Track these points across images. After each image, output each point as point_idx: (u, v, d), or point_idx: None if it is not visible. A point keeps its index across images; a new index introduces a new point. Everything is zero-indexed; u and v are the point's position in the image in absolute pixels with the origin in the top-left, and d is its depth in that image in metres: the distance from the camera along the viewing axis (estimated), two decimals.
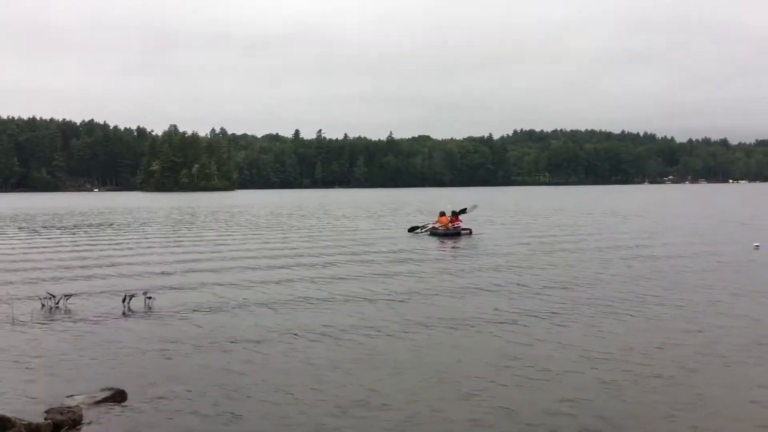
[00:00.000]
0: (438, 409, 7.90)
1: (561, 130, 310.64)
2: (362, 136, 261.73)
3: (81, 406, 7.89)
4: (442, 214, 32.67)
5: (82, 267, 20.91)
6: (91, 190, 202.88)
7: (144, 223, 44.98)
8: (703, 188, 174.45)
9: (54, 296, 14.23)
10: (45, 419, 7.37)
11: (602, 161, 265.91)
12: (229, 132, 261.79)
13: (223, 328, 12.12)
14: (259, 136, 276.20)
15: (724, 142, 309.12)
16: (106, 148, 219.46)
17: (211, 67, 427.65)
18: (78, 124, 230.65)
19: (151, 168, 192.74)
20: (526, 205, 68.23)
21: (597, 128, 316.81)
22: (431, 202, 74.56)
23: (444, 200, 54.39)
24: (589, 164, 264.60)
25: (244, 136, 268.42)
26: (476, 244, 27.12)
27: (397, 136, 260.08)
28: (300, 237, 31.90)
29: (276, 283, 17.18)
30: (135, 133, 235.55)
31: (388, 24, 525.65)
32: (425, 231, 32.14)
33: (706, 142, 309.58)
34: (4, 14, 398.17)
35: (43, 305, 13.99)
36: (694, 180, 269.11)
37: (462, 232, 31.14)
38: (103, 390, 8.49)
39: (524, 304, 13.91)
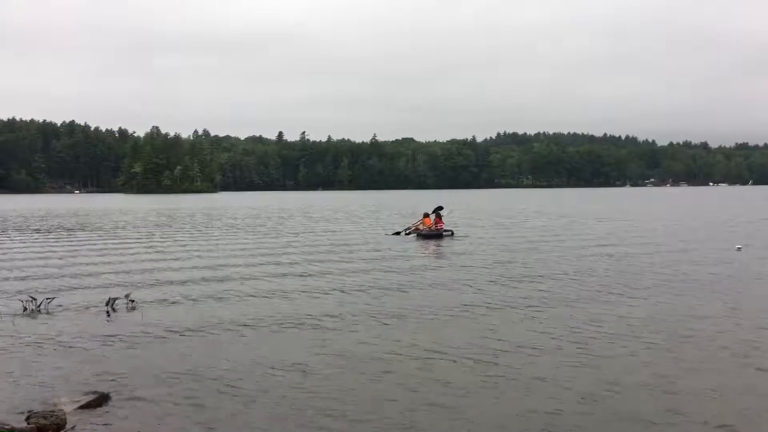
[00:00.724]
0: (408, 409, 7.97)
1: (544, 133, 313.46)
2: (346, 139, 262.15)
3: (64, 409, 7.85)
4: (426, 215, 32.91)
5: (63, 270, 20.72)
6: (72, 192, 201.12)
7: (125, 225, 44.64)
8: (684, 191, 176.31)
9: (35, 299, 14.12)
10: (28, 424, 7.33)
11: (584, 164, 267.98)
12: (212, 134, 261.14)
13: (205, 330, 12.08)
14: (242, 138, 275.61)
15: (704, 146, 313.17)
16: (87, 150, 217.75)
17: (194, 69, 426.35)
18: (59, 125, 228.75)
19: (133, 170, 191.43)
20: (507, 207, 68.60)
21: (580, 131, 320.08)
22: (415, 205, 74.66)
23: (426, 202, 54.55)
24: (571, 167, 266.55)
25: (227, 137, 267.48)
26: (457, 245, 27.20)
27: (380, 138, 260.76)
28: (282, 238, 31.83)
29: (257, 283, 17.14)
30: (117, 135, 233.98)
31: (369, 28, 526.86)
32: (408, 232, 32.32)
33: (687, 145, 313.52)
34: None
35: (25, 308, 13.87)
36: (675, 183, 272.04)
37: (444, 233, 31.34)
38: (86, 393, 8.46)
39: (499, 300, 14.00)
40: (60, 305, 14.40)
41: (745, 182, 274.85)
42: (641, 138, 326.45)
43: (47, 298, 14.36)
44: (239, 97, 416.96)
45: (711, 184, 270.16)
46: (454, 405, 8.15)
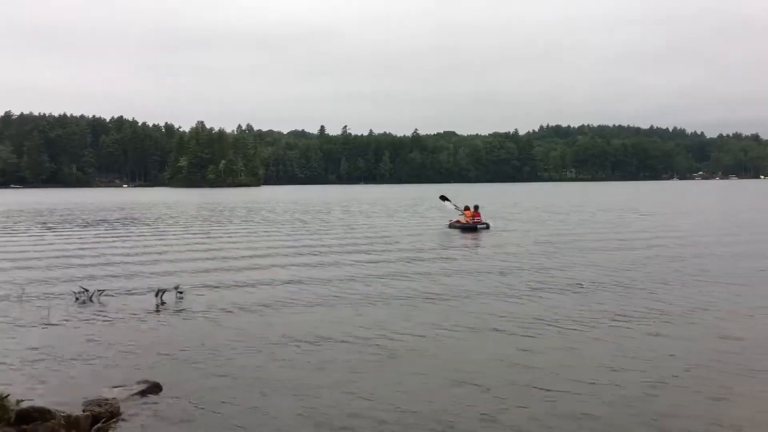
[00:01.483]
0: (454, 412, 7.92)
1: (588, 125, 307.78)
2: (387, 132, 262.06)
3: (117, 398, 8.02)
4: (467, 207, 33.92)
5: (113, 262, 21.20)
6: (121, 186, 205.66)
7: (172, 218, 45.49)
8: (734, 184, 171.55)
9: (87, 291, 14.48)
10: (83, 411, 7.50)
11: (630, 157, 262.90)
12: (256, 128, 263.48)
13: (252, 322, 12.24)
14: (285, 132, 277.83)
15: (755, 137, 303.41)
16: (135, 145, 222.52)
17: (238, 65, 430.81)
18: (107, 121, 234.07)
19: (178, 164, 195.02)
20: (546, 201, 67.70)
21: (625, 123, 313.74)
22: (456, 198, 74.31)
23: (466, 196, 54.25)
24: (617, 160, 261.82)
25: (270, 132, 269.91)
26: (491, 239, 26.96)
27: (422, 132, 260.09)
28: (324, 231, 32.02)
29: (304, 277, 17.27)
30: (163, 130, 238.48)
31: (410, 23, 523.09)
32: (450, 222, 33.73)
33: (737, 137, 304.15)
34: (34, 17, 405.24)
35: (77, 299, 14.24)
36: (725, 176, 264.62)
37: (479, 227, 31.89)
38: (138, 383, 8.63)
39: (525, 306, 13.82)
40: (111, 296, 14.74)
41: None
42: (689, 130, 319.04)
43: (98, 290, 14.71)
44: (282, 92, 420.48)
45: (762, 177, 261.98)
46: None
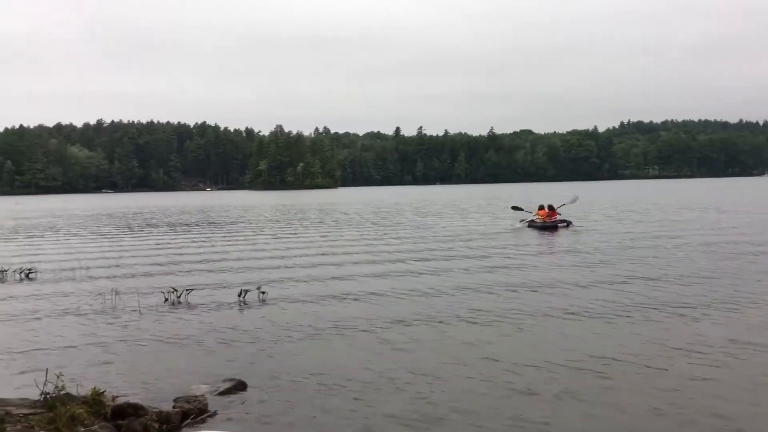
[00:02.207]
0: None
1: (672, 120, 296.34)
2: (463, 132, 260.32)
3: (206, 395, 8.24)
4: (541, 207, 33.50)
5: (199, 262, 21.91)
6: (204, 189, 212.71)
7: (254, 220, 46.62)
8: None
9: (176, 290, 14.98)
10: (173, 407, 7.74)
11: (717, 152, 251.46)
12: (332, 131, 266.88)
13: (335, 321, 12.33)
14: (360, 134, 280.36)
15: None
16: (217, 149, 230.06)
17: (314, 68, 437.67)
18: (191, 126, 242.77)
19: (259, 167, 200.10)
20: (630, 200, 65.52)
21: (712, 118, 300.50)
22: (531, 198, 73.07)
23: (540, 195, 53.28)
24: (702, 156, 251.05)
25: (347, 134, 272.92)
26: (572, 238, 26.29)
27: (498, 131, 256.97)
28: (403, 232, 32.07)
29: (384, 276, 17.35)
30: (244, 134, 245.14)
31: (477, 23, 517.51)
32: (524, 222, 32.90)
33: None
34: (123, 29, 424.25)
35: (166, 299, 14.76)
36: None
37: (559, 225, 31.48)
38: (225, 380, 8.84)
39: (605, 301, 13.36)
40: (198, 296, 15.20)
41: None
42: None
43: (186, 290, 15.20)
44: (357, 94, 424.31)
45: None
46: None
